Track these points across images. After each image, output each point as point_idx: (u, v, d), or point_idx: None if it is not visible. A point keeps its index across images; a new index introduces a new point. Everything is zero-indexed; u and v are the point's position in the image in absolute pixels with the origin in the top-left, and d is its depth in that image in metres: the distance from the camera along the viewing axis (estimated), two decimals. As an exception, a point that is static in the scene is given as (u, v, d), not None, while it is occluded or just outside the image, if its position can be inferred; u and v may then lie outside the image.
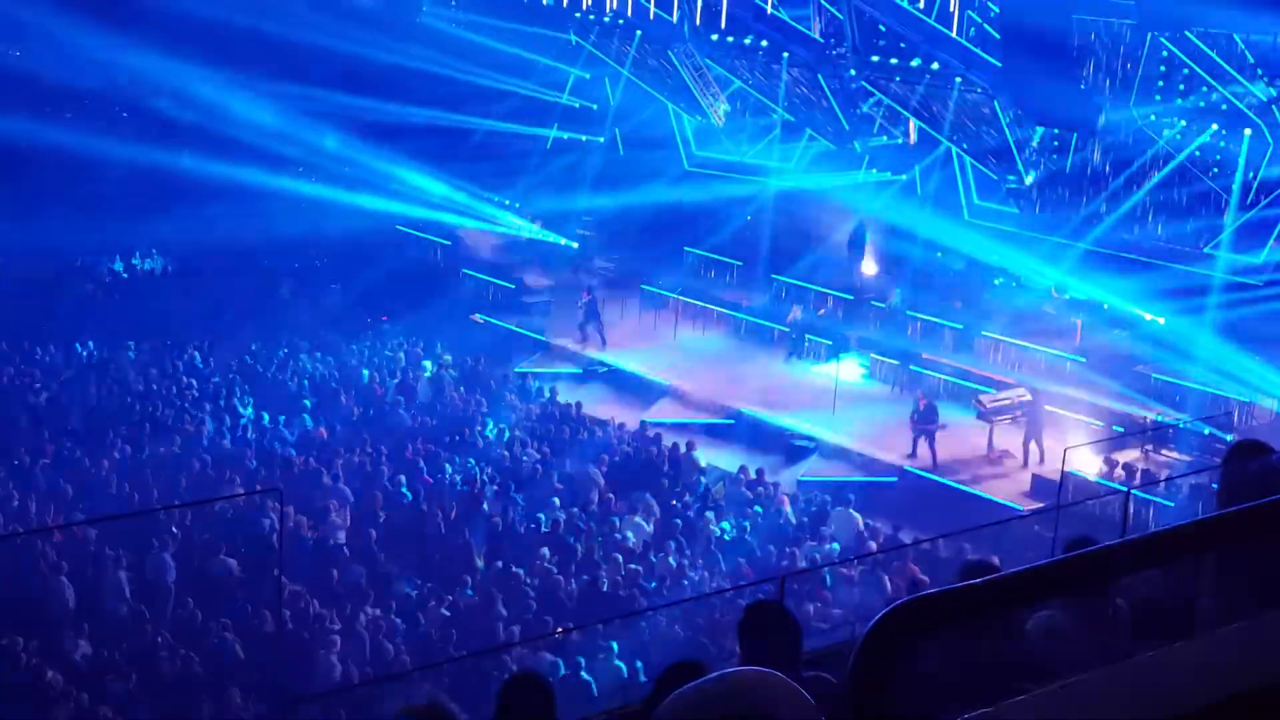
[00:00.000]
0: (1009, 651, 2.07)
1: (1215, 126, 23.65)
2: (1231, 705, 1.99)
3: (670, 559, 16.50)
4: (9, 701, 12.49)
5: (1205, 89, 23.50)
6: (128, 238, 29.36)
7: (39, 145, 28.00)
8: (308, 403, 21.81)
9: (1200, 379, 22.62)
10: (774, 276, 28.44)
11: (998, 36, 23.16)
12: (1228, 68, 23.10)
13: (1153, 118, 24.23)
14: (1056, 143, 25.18)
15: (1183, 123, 24.09)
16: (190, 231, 29.42)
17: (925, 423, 21.10)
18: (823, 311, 26.92)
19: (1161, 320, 24.32)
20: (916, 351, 24.91)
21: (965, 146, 26.33)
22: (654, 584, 15.86)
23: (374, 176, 31.00)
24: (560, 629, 14.22)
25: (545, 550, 16.51)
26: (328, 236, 28.67)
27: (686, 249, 30.04)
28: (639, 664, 13.35)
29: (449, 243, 31.60)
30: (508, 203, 32.63)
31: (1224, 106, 23.40)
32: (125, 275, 28.73)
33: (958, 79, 24.51)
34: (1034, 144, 24.91)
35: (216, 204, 28.73)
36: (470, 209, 32.25)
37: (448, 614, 14.83)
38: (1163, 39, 23.01)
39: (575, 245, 31.32)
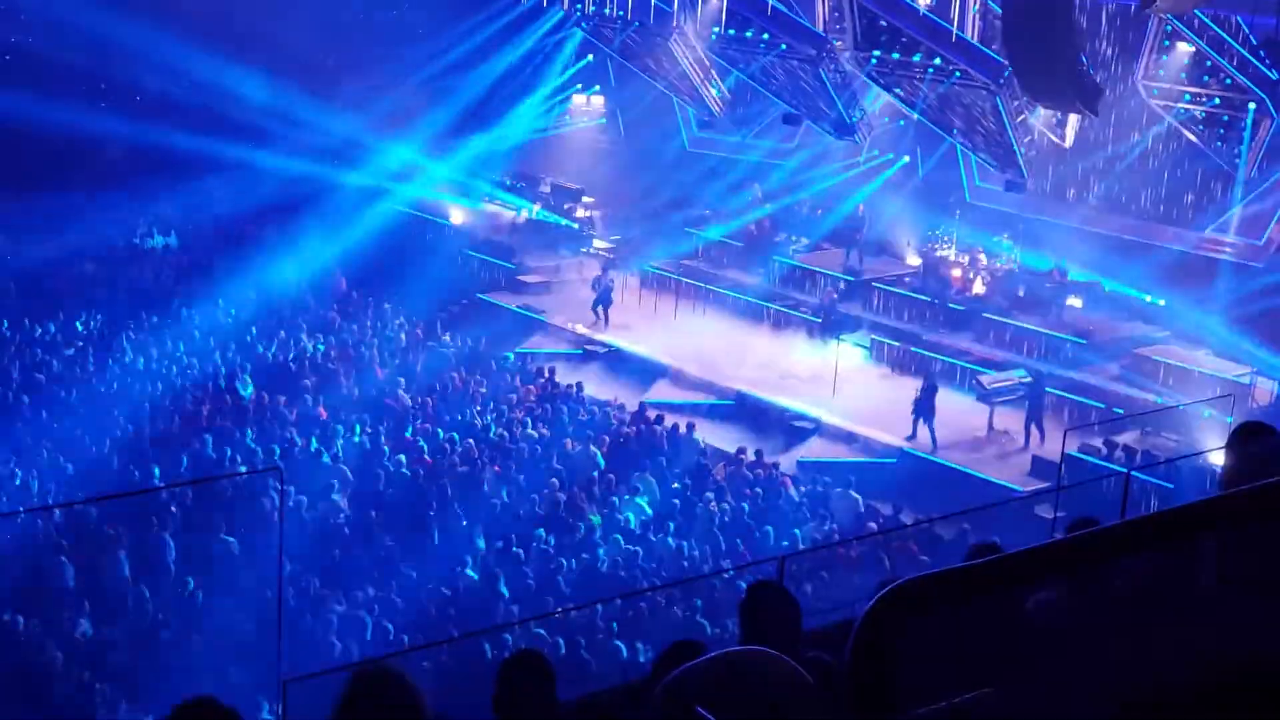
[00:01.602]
0: (1008, 632, 2.07)
1: (1219, 102, 23.52)
2: (1232, 686, 1.99)
3: (669, 540, 16.52)
4: (10, 680, 12.53)
5: (1210, 65, 23.37)
6: (131, 216, 29.29)
7: (38, 124, 27.85)
8: (307, 382, 21.80)
9: (1201, 361, 22.60)
10: (775, 258, 28.40)
11: (999, 10, 23.01)
12: (1235, 44, 22.95)
13: (1155, 92, 24.09)
14: (1057, 119, 25.06)
15: (1187, 99, 23.96)
16: (191, 209, 29.36)
17: (925, 405, 21.09)
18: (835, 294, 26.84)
19: (1162, 302, 24.29)
20: (917, 333, 24.88)
21: (967, 143, 26.19)
22: (653, 564, 15.88)
23: (372, 156, 30.89)
24: (560, 609, 14.23)
25: (543, 531, 16.54)
26: (324, 216, 28.55)
27: (688, 230, 29.98)
28: (638, 644, 13.38)
29: (449, 223, 31.54)
30: (509, 183, 32.54)
31: (1228, 80, 23.27)
32: (126, 254, 28.64)
33: (956, 71, 24.39)
34: (1034, 119, 24.75)
35: (215, 180, 28.63)
36: (471, 189, 32.16)
37: (448, 594, 14.87)
38: (1167, 15, 22.87)
39: (576, 226, 31.24)
